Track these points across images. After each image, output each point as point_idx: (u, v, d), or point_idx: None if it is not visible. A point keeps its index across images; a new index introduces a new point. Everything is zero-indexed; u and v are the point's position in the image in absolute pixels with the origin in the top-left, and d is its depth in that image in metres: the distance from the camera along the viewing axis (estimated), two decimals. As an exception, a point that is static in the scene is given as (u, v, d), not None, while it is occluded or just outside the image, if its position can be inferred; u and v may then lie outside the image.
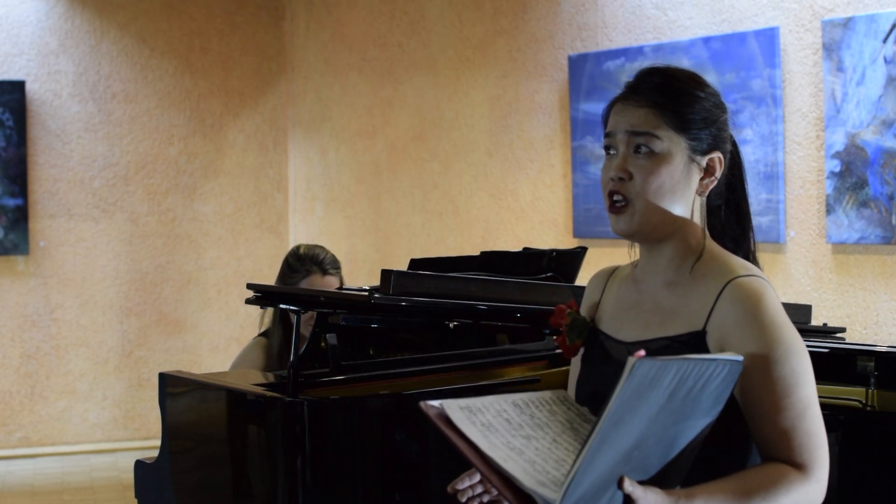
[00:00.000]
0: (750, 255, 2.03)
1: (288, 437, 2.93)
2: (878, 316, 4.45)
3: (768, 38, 4.80)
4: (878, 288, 4.45)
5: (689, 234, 1.97)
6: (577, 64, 5.80)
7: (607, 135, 1.99)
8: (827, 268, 4.63)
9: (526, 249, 4.06)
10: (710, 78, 5.05)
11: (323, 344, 3.26)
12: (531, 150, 6.21)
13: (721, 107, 2.01)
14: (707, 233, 1.99)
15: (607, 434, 1.62)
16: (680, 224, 1.96)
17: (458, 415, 1.74)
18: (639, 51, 5.42)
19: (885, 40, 4.34)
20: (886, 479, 2.79)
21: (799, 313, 3.48)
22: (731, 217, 2.04)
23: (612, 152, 1.98)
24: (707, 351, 1.88)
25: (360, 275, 7.52)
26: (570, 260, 3.62)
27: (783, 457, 1.84)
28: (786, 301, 4.40)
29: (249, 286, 3.85)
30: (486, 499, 1.90)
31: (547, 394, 1.87)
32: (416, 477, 3.07)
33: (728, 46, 4.98)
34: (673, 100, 1.96)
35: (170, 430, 3.42)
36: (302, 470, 2.92)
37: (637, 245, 2.04)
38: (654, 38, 5.40)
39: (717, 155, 1.98)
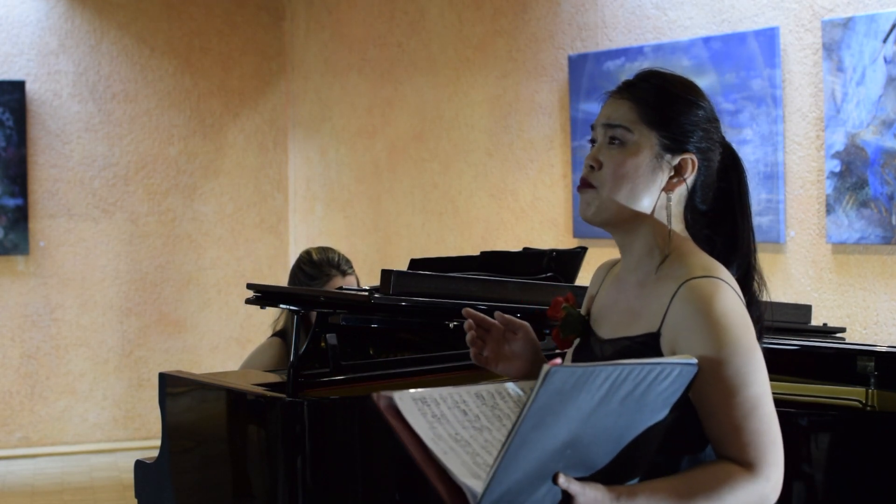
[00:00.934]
0: (749, 270, 2.04)
1: (288, 437, 2.93)
2: (878, 316, 4.45)
3: (768, 38, 4.80)
4: (878, 288, 4.44)
5: (656, 233, 2.02)
6: (577, 64, 5.80)
7: (592, 127, 2.08)
8: (827, 268, 4.63)
9: (526, 249, 4.06)
10: (710, 78, 5.06)
11: (323, 344, 3.26)
12: (531, 150, 6.21)
13: (710, 118, 2.05)
14: (679, 234, 2.02)
15: (526, 436, 1.64)
16: (643, 218, 2.01)
17: (408, 406, 1.75)
18: (639, 51, 5.42)
19: (885, 40, 4.34)
20: (886, 479, 2.79)
21: (799, 313, 3.48)
22: (718, 228, 2.06)
23: (593, 144, 2.07)
24: (659, 352, 1.92)
25: (360, 275, 7.50)
26: (570, 260, 3.62)
27: (732, 455, 1.86)
28: (786, 301, 4.41)
29: (249, 286, 3.85)
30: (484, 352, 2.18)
31: (515, 385, 1.88)
32: (416, 477, 3.07)
33: (728, 46, 4.98)
34: (657, 98, 2.01)
35: (170, 430, 3.42)
36: (302, 470, 2.92)
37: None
38: (654, 38, 5.40)
39: (690, 157, 2.01)
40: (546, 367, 1.62)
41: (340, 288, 3.86)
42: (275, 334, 3.99)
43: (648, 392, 1.73)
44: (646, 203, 2.00)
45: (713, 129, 2.04)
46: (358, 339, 3.57)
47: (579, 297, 2.19)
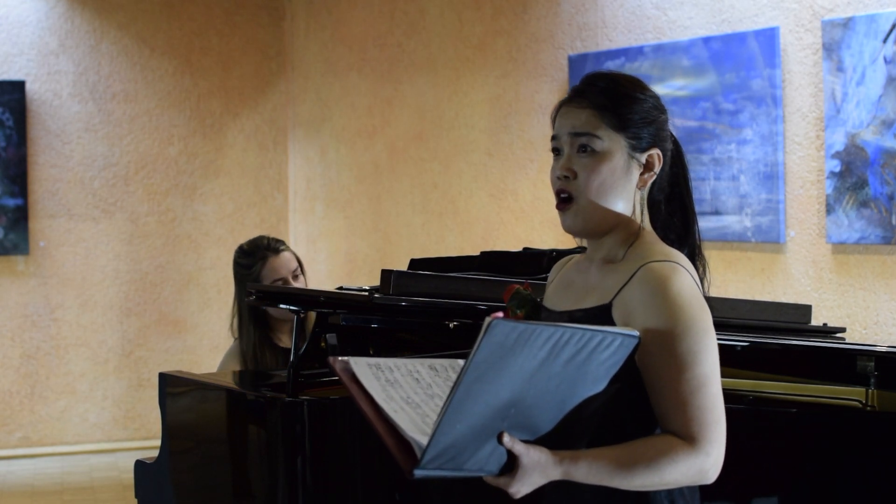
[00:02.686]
0: (695, 250, 2.14)
1: (288, 437, 2.93)
2: (878, 316, 4.45)
3: (768, 38, 4.80)
4: (878, 288, 4.45)
5: (629, 227, 2.09)
6: (577, 64, 5.80)
7: (553, 137, 2.12)
8: (827, 268, 4.63)
9: (526, 249, 4.06)
10: (710, 78, 5.06)
11: (323, 344, 3.26)
12: (531, 150, 6.21)
13: (660, 108, 2.13)
14: (644, 223, 2.11)
15: (470, 387, 1.72)
16: (622, 219, 2.08)
17: (363, 370, 1.85)
18: (639, 51, 5.42)
19: (885, 40, 4.34)
20: (886, 479, 2.79)
21: (799, 313, 3.47)
22: (674, 212, 2.16)
23: (558, 154, 2.11)
24: (611, 323, 1.99)
25: (360, 275, 7.52)
26: (569, 260, 3.61)
27: (675, 429, 1.92)
28: (785, 301, 4.42)
29: (249, 286, 3.85)
30: None
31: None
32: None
33: (728, 46, 4.98)
34: (613, 101, 2.07)
35: (170, 430, 3.42)
36: (302, 470, 2.92)
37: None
38: (654, 38, 5.40)
39: (655, 152, 2.09)
40: (488, 318, 1.72)
41: (340, 288, 3.87)
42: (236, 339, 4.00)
43: (590, 360, 1.80)
44: (622, 204, 2.08)
45: (664, 119, 2.12)
46: (358, 339, 3.57)
47: (541, 289, 2.26)
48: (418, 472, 1.74)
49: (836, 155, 4.53)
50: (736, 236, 4.94)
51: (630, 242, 2.07)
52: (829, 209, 4.56)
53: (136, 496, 3.60)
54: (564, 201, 2.08)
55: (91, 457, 7.81)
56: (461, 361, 1.93)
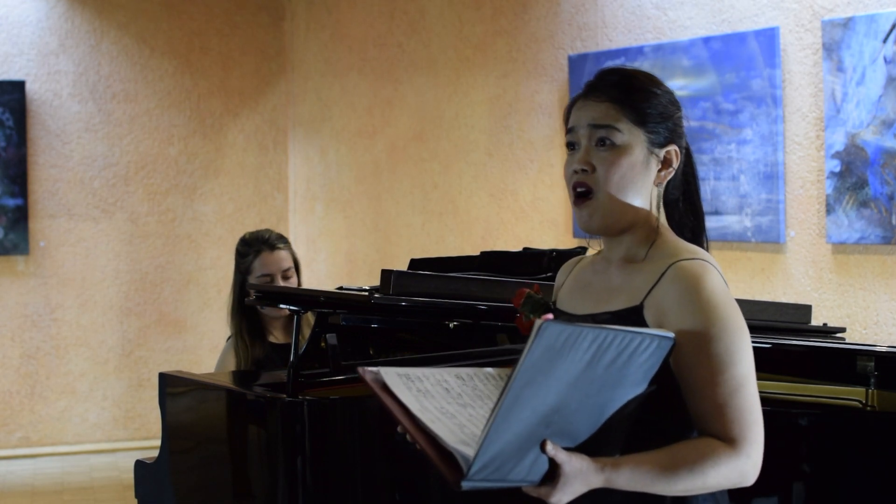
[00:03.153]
0: (704, 246, 2.11)
1: (288, 437, 2.93)
2: (878, 316, 4.45)
3: (768, 38, 4.80)
4: (878, 288, 4.45)
5: (648, 224, 2.05)
6: (577, 64, 5.80)
7: (570, 130, 2.06)
8: (827, 268, 4.63)
9: (526, 249, 4.06)
10: (710, 78, 5.06)
11: (323, 344, 3.26)
12: (531, 150, 6.21)
13: (676, 104, 2.09)
14: (661, 221, 2.07)
15: (519, 393, 1.67)
16: (640, 215, 2.03)
17: (393, 380, 1.80)
18: (639, 51, 5.42)
19: (885, 40, 4.34)
20: (886, 479, 2.79)
21: (799, 313, 3.48)
22: (687, 209, 2.12)
23: (574, 148, 2.05)
24: (643, 325, 1.94)
25: (360, 275, 7.52)
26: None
27: (715, 431, 1.88)
28: (786, 301, 4.41)
29: (249, 286, 3.86)
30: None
31: (493, 370, 1.92)
32: (416, 477, 3.07)
33: (728, 46, 4.98)
34: (631, 95, 2.03)
35: (170, 430, 3.42)
36: (302, 470, 2.92)
37: (601, 239, 2.12)
38: (654, 38, 5.40)
39: (673, 148, 2.06)
40: (539, 321, 1.66)
41: (340, 288, 3.87)
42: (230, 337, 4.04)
43: (630, 362, 1.77)
44: (640, 201, 2.03)
45: (680, 116, 2.09)
46: (358, 339, 3.57)
47: (547, 291, 2.21)
48: (466, 485, 1.68)
49: (836, 155, 4.53)
50: (736, 236, 4.94)
51: (650, 241, 2.03)
52: (829, 209, 4.56)
53: (136, 496, 3.60)
54: (582, 196, 2.02)
55: (91, 457, 7.81)
56: (487, 370, 1.90)
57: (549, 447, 1.73)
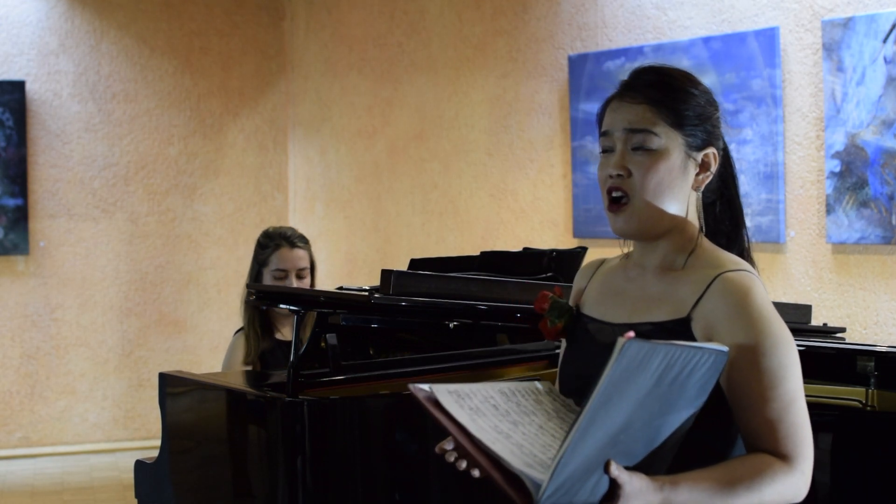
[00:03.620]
0: (744, 252, 2.06)
1: (288, 437, 2.93)
2: (878, 316, 4.45)
3: (768, 38, 4.80)
4: (878, 288, 4.44)
5: (685, 230, 1.99)
6: (577, 64, 5.80)
7: (604, 133, 2.00)
8: (827, 268, 4.63)
9: (526, 249, 4.06)
10: (710, 78, 5.06)
11: (323, 344, 3.26)
12: (531, 150, 6.21)
13: (714, 104, 2.02)
14: (701, 228, 2.01)
15: (596, 414, 1.64)
16: (677, 221, 1.98)
17: (446, 398, 1.75)
18: (639, 51, 5.42)
19: (885, 40, 4.34)
20: (886, 479, 2.79)
21: (799, 313, 3.48)
22: (724, 214, 2.07)
23: (609, 150, 1.99)
24: (692, 338, 1.89)
25: (360, 275, 7.52)
26: (570, 260, 3.62)
27: (768, 447, 1.85)
28: (786, 301, 4.41)
29: (249, 286, 3.86)
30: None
31: (534, 384, 1.89)
32: (416, 477, 3.07)
33: (728, 46, 4.98)
34: (668, 96, 1.97)
35: (170, 430, 3.42)
36: (302, 470, 2.92)
37: (631, 241, 2.06)
38: (654, 38, 5.40)
39: (711, 151, 2.00)
40: (621, 339, 1.61)
41: (340, 288, 3.88)
42: (239, 329, 4.08)
43: (689, 378, 1.73)
44: (676, 206, 1.97)
45: (718, 116, 2.02)
46: (358, 339, 3.57)
47: (567, 292, 2.17)
48: None
49: (836, 155, 4.53)
50: (736, 236, 4.94)
51: (688, 248, 1.97)
52: (829, 209, 4.56)
53: (136, 496, 3.60)
54: (617, 201, 1.96)
55: (91, 457, 7.81)
56: (528, 383, 1.86)
57: (613, 468, 1.69)
